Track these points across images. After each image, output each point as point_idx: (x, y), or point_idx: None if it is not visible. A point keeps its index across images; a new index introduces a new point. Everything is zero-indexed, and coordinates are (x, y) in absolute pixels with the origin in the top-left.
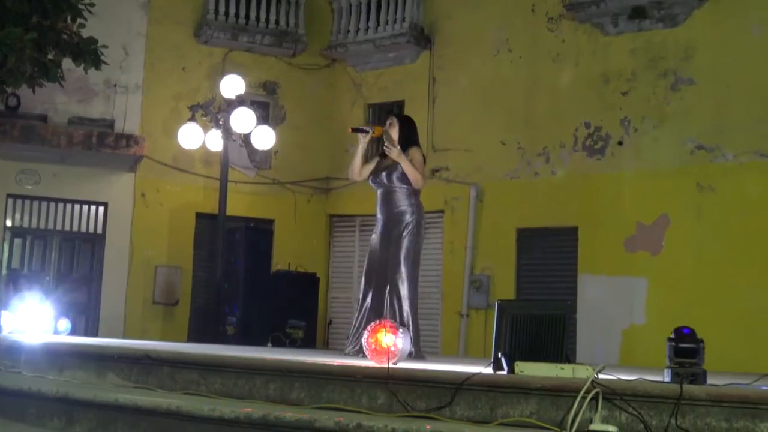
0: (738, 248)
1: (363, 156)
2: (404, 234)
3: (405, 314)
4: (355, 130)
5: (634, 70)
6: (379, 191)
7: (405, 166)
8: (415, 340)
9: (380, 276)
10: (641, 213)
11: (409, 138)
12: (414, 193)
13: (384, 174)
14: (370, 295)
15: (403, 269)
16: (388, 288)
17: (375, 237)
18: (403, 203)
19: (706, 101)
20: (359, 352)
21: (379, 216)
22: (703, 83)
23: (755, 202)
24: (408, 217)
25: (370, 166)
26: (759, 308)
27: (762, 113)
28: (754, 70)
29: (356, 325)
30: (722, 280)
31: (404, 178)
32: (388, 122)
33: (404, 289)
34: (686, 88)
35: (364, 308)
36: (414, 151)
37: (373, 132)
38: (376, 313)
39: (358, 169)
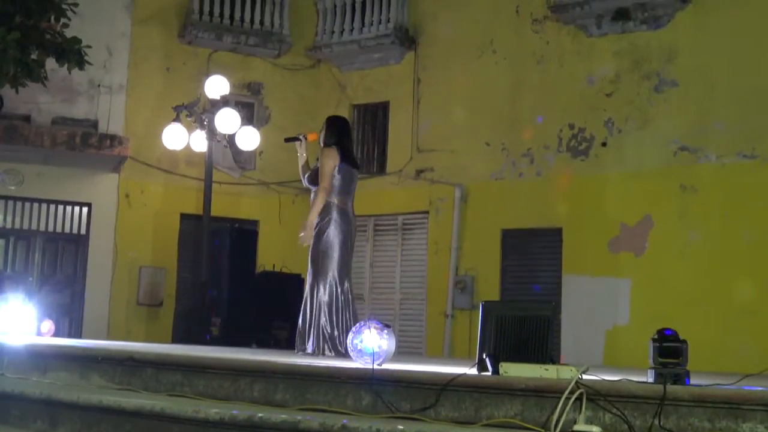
0: (721, 249)
1: (305, 164)
2: (317, 234)
3: (318, 315)
4: (289, 140)
5: (617, 72)
6: None
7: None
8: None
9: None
10: (625, 214)
11: (325, 139)
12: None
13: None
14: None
15: (315, 268)
16: (308, 286)
17: None
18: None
19: (689, 103)
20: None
21: None
22: (686, 85)
23: (738, 203)
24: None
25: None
26: (742, 309)
27: (744, 114)
28: (736, 72)
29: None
30: (705, 280)
31: (315, 182)
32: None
33: (318, 290)
34: (669, 89)
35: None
36: (323, 155)
37: (307, 138)
38: (302, 313)
39: (303, 176)
